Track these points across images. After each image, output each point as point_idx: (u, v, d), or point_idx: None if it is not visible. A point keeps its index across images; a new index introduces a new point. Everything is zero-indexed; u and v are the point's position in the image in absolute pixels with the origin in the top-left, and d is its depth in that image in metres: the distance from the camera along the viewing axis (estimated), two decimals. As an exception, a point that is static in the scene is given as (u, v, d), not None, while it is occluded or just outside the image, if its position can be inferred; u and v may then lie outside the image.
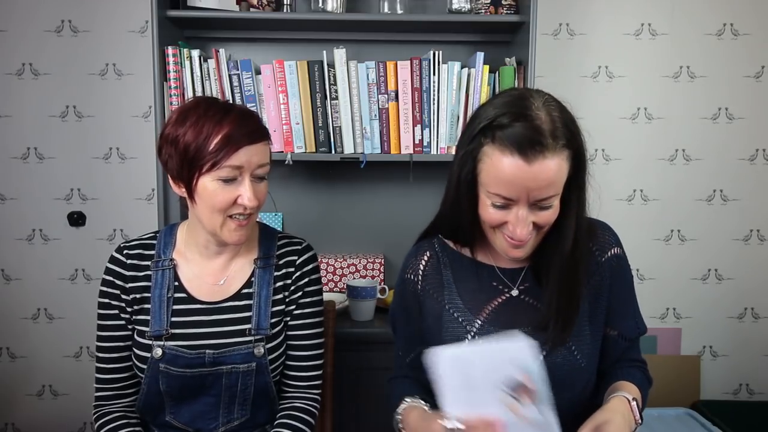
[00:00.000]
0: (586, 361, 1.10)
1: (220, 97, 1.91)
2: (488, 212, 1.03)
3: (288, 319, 1.27)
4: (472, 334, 1.11)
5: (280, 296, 1.26)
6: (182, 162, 1.13)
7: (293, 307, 1.28)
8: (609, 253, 1.15)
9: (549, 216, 1.02)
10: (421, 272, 1.18)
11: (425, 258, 1.19)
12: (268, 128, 1.22)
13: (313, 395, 1.31)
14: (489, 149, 1.00)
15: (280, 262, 1.28)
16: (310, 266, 1.30)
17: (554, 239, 1.07)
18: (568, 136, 0.99)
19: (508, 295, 1.14)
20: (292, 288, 1.27)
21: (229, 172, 1.12)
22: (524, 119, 0.98)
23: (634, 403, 1.05)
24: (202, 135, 1.12)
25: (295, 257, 1.29)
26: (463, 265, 1.17)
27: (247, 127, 1.14)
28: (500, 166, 0.98)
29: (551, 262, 1.08)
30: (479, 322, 1.11)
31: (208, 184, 1.13)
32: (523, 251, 1.06)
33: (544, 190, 0.98)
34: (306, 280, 1.29)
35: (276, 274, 1.27)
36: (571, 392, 1.09)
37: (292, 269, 1.28)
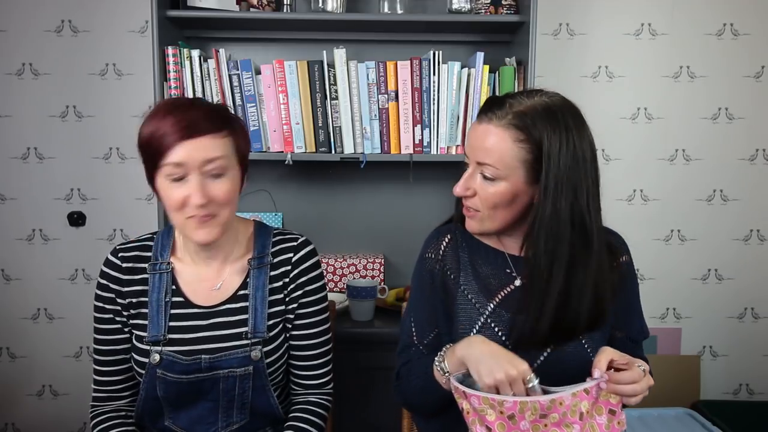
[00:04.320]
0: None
1: (219, 97, 1.92)
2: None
3: (291, 317, 1.24)
4: (485, 317, 1.14)
5: (279, 296, 1.23)
6: (143, 162, 1.14)
7: (295, 305, 1.24)
8: (620, 260, 1.20)
9: (489, 189, 1.09)
10: (441, 252, 1.21)
11: (446, 239, 1.22)
12: (232, 118, 1.16)
13: (326, 391, 1.30)
14: None
15: (275, 261, 1.24)
16: (309, 263, 1.25)
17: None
18: (530, 125, 1.04)
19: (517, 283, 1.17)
20: (292, 287, 1.24)
21: (172, 170, 1.08)
22: (507, 97, 1.09)
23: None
24: (148, 132, 1.11)
25: (291, 254, 1.24)
26: (479, 250, 1.20)
27: (187, 120, 1.07)
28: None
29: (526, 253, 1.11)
30: (492, 306, 1.15)
31: (161, 182, 1.12)
32: (474, 223, 1.14)
33: (480, 152, 1.08)
34: (306, 277, 1.25)
35: (272, 273, 1.23)
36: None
37: (288, 267, 1.24)
